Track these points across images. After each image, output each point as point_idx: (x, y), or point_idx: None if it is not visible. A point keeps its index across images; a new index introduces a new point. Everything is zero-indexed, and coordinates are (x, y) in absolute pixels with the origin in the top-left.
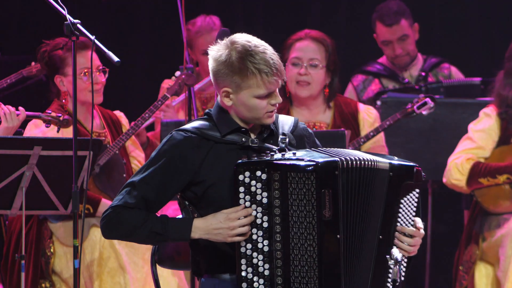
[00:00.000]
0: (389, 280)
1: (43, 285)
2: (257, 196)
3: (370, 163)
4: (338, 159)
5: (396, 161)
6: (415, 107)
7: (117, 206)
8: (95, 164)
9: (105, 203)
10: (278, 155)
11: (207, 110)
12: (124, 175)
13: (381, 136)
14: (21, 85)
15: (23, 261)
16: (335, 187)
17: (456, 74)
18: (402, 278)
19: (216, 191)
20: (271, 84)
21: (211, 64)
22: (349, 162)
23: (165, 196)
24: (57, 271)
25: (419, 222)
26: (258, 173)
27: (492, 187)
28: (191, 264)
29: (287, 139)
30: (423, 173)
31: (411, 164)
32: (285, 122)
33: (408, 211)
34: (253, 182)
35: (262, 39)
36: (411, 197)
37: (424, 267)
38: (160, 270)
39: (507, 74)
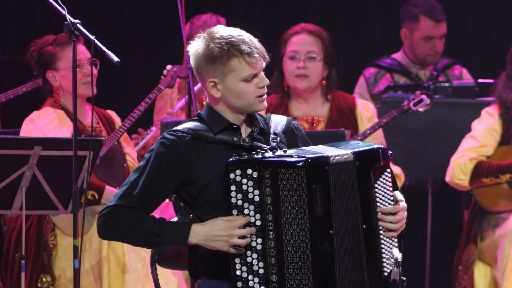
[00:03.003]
0: (384, 270)
1: (44, 279)
2: (249, 194)
3: (346, 156)
4: (329, 155)
5: (358, 148)
6: (411, 104)
7: (115, 205)
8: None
9: (110, 190)
10: (269, 153)
11: (198, 112)
12: (125, 164)
13: (379, 132)
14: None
15: (23, 261)
16: (326, 183)
17: (467, 76)
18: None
19: (210, 191)
20: (254, 63)
21: (192, 61)
22: (338, 157)
23: (161, 196)
24: (60, 264)
25: (398, 195)
26: (249, 171)
27: (491, 186)
28: (188, 266)
29: (278, 138)
30: (389, 152)
31: (375, 147)
32: (278, 122)
33: (385, 192)
34: (244, 180)
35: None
36: (384, 178)
37: (424, 267)
38: (161, 269)
39: (508, 76)
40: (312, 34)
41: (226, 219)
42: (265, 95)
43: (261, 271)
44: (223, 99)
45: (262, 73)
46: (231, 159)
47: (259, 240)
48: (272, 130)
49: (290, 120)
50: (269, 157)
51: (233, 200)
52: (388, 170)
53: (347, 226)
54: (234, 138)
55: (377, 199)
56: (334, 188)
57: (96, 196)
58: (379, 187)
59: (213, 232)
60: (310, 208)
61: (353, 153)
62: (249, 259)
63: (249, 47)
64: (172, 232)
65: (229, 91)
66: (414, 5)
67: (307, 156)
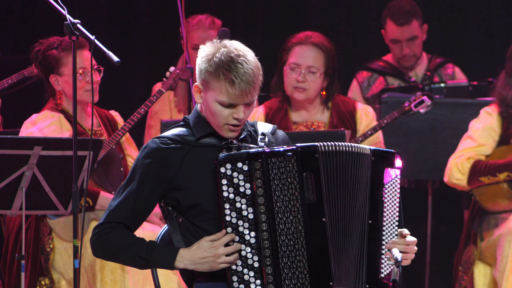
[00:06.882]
0: (382, 270)
1: (42, 282)
2: (240, 187)
3: (349, 148)
4: (318, 144)
5: (375, 147)
6: (412, 105)
7: (106, 224)
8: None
9: (104, 196)
10: (258, 149)
11: (184, 116)
12: (122, 169)
13: (377, 134)
14: (21, 85)
15: (23, 261)
16: (317, 170)
17: (459, 74)
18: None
19: (198, 194)
20: (233, 96)
21: (198, 59)
22: (328, 147)
23: (151, 205)
24: (57, 267)
25: (405, 231)
26: (239, 164)
27: (491, 185)
28: (181, 271)
29: (267, 138)
30: (401, 160)
31: (391, 150)
32: (264, 127)
33: (392, 196)
34: (235, 174)
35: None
36: (393, 182)
37: (424, 267)
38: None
39: (507, 74)
40: (315, 47)
41: (210, 239)
42: (238, 127)
43: (256, 264)
44: (202, 107)
45: (242, 107)
46: (221, 155)
47: (253, 234)
48: (259, 133)
49: (276, 127)
50: (259, 148)
51: (225, 194)
52: (398, 176)
53: (348, 216)
54: (222, 141)
55: (385, 200)
56: (327, 176)
57: (90, 203)
58: (388, 188)
59: (198, 255)
60: (302, 196)
61: (371, 149)
62: (243, 253)
63: (236, 78)
64: (159, 257)
65: (206, 104)
66: (388, 7)
67: (297, 145)
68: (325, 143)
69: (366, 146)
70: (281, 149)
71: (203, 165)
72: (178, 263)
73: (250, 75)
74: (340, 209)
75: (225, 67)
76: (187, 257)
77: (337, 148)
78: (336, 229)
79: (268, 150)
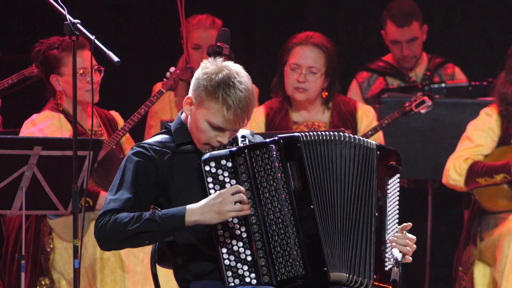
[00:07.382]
0: (387, 261)
1: (42, 282)
2: (226, 184)
3: (332, 136)
4: (299, 134)
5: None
6: (413, 105)
7: (107, 211)
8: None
9: (104, 196)
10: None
11: (166, 124)
12: None
13: (379, 135)
14: (21, 85)
15: (23, 261)
16: (300, 159)
17: (459, 74)
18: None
19: (185, 198)
20: (227, 120)
21: (198, 72)
22: (310, 136)
23: (147, 197)
24: (58, 267)
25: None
26: (223, 161)
27: (490, 186)
28: (177, 274)
29: (247, 139)
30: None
31: (392, 148)
32: (243, 131)
33: (393, 194)
34: (220, 171)
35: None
36: (394, 180)
37: (424, 267)
38: (161, 269)
39: (508, 71)
40: (316, 47)
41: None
42: (215, 147)
43: (249, 258)
44: (189, 119)
45: (229, 133)
46: (205, 154)
47: (243, 228)
48: (239, 136)
49: (253, 132)
50: (240, 144)
51: (212, 191)
52: (398, 175)
53: (340, 203)
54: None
55: (388, 195)
56: (311, 165)
57: (91, 203)
58: (391, 184)
59: (206, 203)
60: (288, 184)
61: (376, 144)
62: (235, 248)
63: (234, 105)
64: (168, 217)
65: (194, 119)
66: (388, 8)
67: (279, 136)
68: (307, 133)
69: (372, 141)
70: (263, 141)
71: (189, 169)
72: (189, 217)
73: (247, 105)
74: (329, 196)
75: (225, 91)
76: (195, 209)
77: (320, 137)
78: (326, 215)
79: (249, 144)
